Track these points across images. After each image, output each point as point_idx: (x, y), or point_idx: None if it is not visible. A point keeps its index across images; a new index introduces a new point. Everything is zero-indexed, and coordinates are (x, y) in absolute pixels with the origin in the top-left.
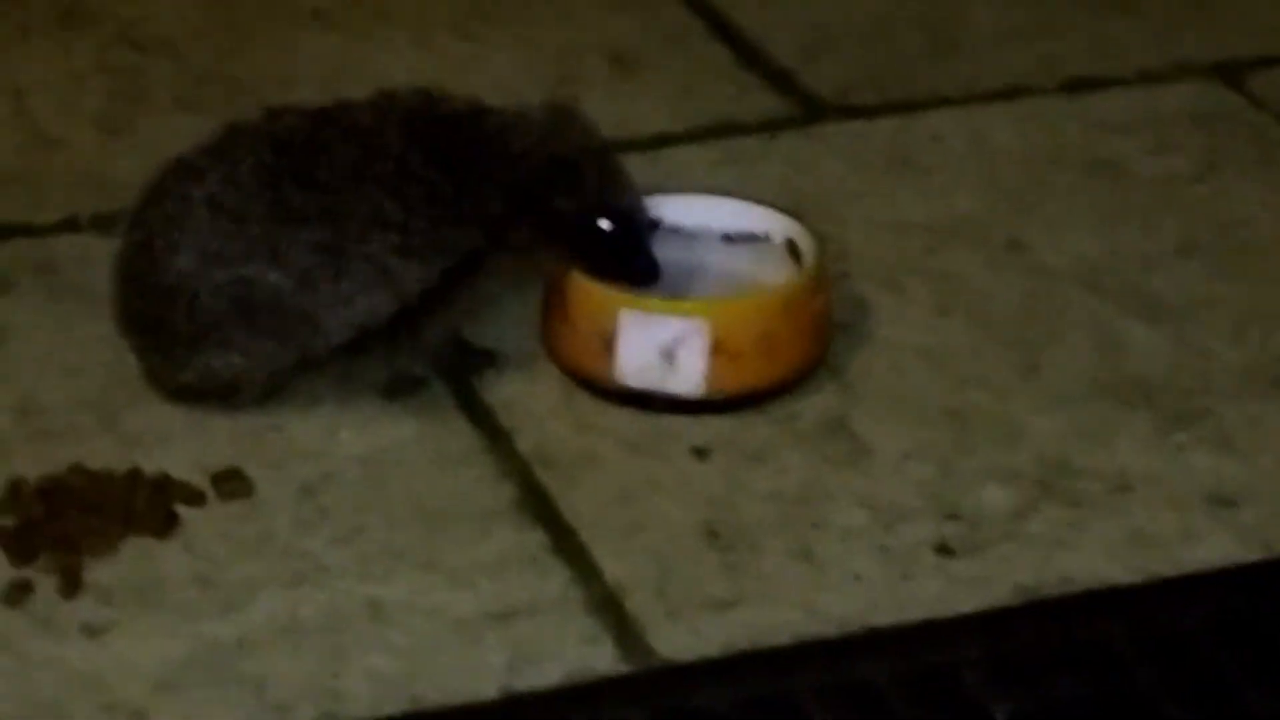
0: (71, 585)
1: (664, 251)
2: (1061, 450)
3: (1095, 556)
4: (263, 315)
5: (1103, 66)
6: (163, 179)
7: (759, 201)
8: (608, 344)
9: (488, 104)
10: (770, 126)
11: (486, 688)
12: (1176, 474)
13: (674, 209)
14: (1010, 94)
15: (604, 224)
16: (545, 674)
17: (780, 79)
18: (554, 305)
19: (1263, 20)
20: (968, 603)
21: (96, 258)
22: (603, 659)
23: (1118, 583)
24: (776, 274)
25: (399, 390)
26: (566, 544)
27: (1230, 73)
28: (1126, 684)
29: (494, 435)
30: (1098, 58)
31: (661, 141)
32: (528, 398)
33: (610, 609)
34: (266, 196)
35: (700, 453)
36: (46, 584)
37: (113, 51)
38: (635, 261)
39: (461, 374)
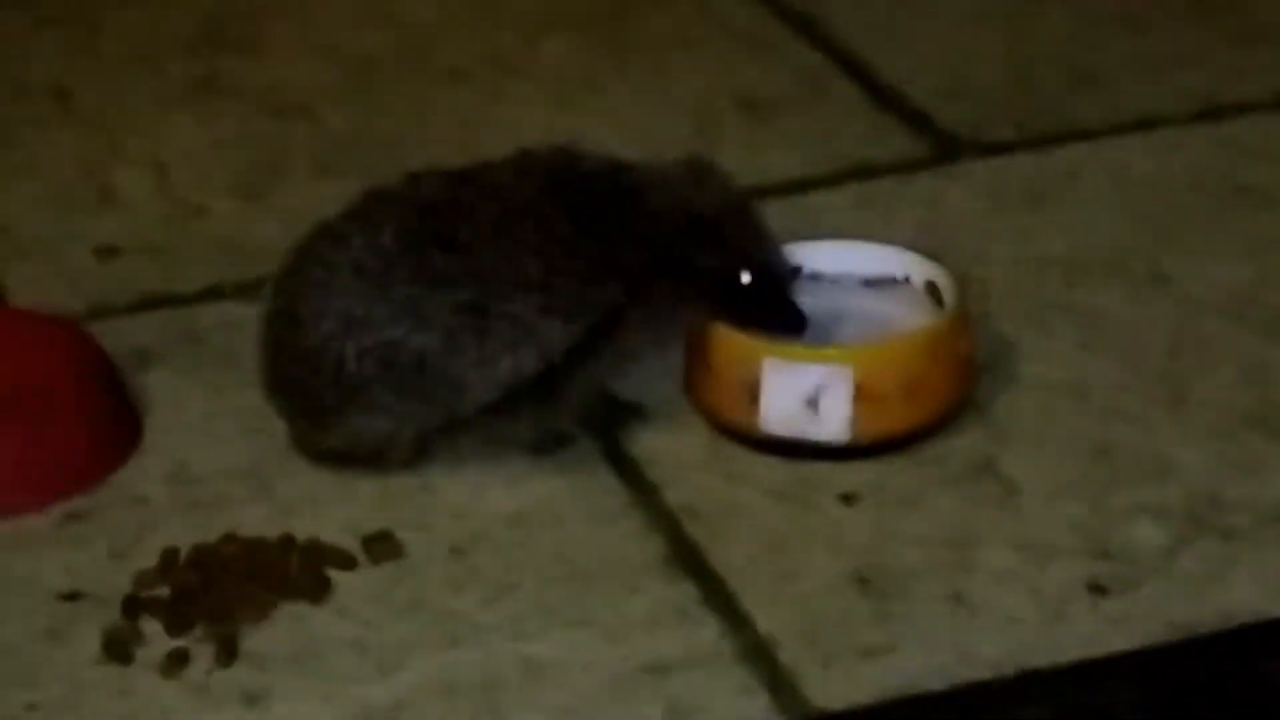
0: (228, 653)
1: (804, 298)
2: (1212, 483)
3: (1251, 590)
4: (408, 377)
5: (1239, 93)
6: (306, 244)
7: (897, 244)
8: (752, 393)
9: (625, 160)
10: (907, 167)
11: None
12: None
13: (813, 255)
14: (1148, 124)
15: (745, 278)
16: None
17: (915, 119)
18: (697, 356)
19: None
20: (1123, 642)
21: (241, 325)
22: (757, 710)
23: (1275, 616)
24: (918, 317)
25: (546, 447)
26: (717, 596)
27: None
28: None
29: (642, 489)
30: (1234, 84)
31: (798, 186)
32: (674, 450)
33: (763, 660)
34: (409, 260)
35: (848, 499)
36: (203, 653)
37: (251, 119)
38: (780, 313)
39: (608, 429)
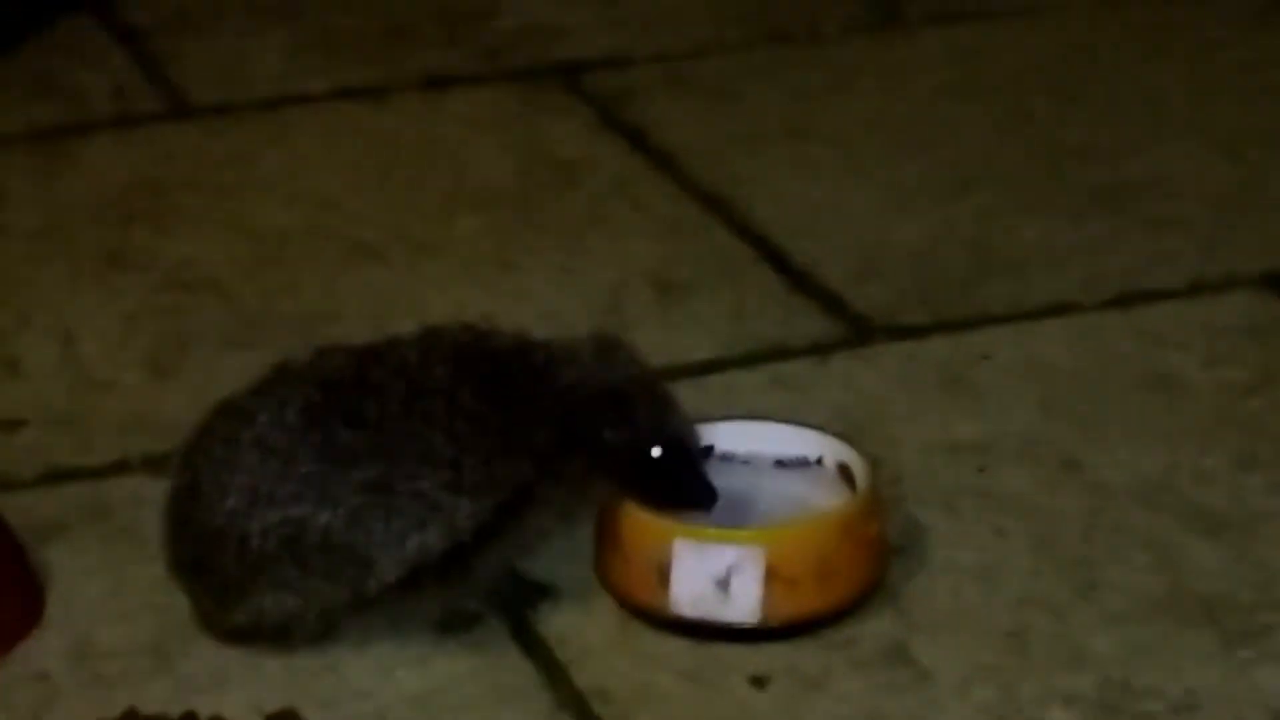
0: None
1: (715, 479)
2: (1124, 670)
3: None
4: (314, 555)
5: (1152, 280)
6: (210, 421)
7: (810, 426)
8: (662, 573)
9: (534, 337)
10: (821, 349)
11: None
12: (1242, 692)
13: (724, 436)
14: (1060, 310)
15: (655, 452)
16: None
17: (829, 301)
18: (607, 536)
19: None
20: None
21: (148, 499)
22: None
23: None
24: (830, 499)
25: (453, 626)
26: None
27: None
28: None
29: (550, 669)
30: (1147, 272)
31: (710, 368)
32: (583, 630)
33: None
34: (315, 436)
35: (758, 681)
36: None
37: (160, 293)
38: (690, 487)
39: (516, 608)
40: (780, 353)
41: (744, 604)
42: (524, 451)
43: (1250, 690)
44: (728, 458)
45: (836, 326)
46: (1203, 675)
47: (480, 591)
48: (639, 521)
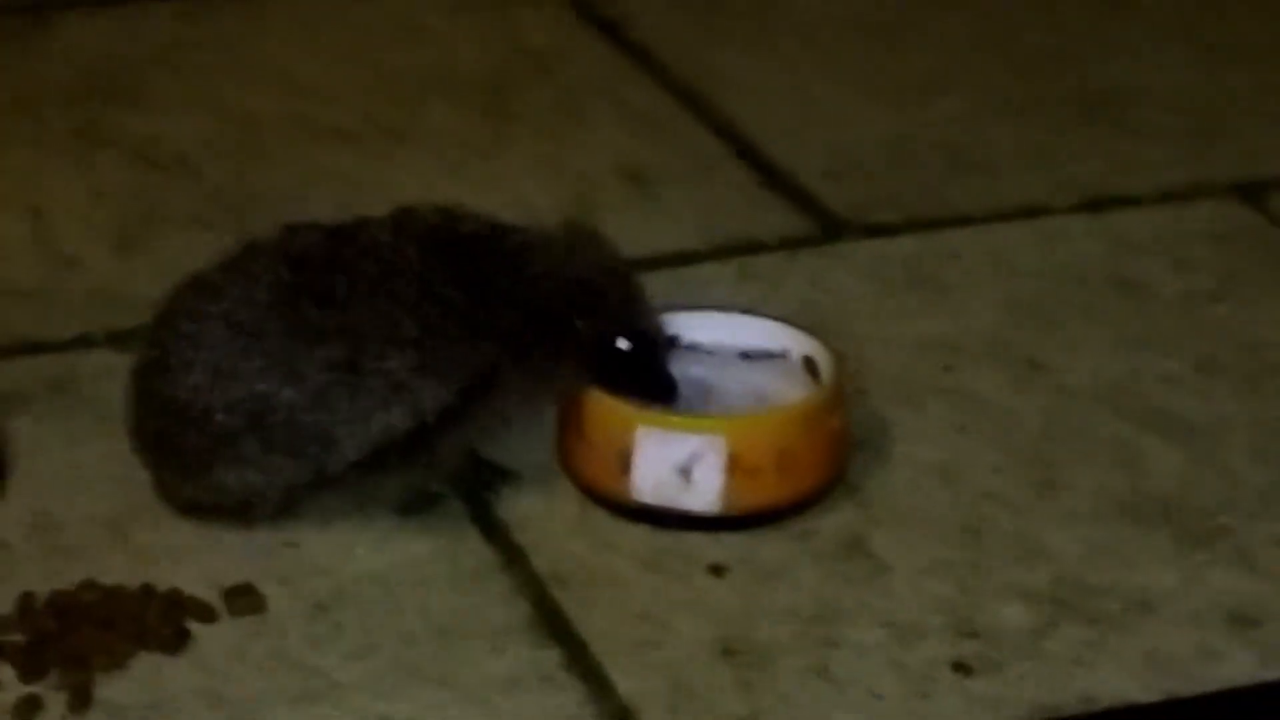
0: (81, 702)
1: (681, 369)
2: (1080, 569)
3: (1115, 675)
4: (277, 432)
5: (1123, 186)
6: (179, 296)
7: (776, 319)
8: (624, 461)
9: (507, 223)
10: (791, 245)
11: None
12: (1197, 593)
13: (691, 326)
14: (1031, 213)
15: (623, 344)
16: None
17: (801, 198)
18: (570, 422)
19: None
20: None
21: (111, 374)
22: None
23: (1137, 702)
24: (794, 391)
25: (415, 507)
26: (581, 661)
27: (1251, 192)
28: None
29: (509, 553)
30: (1118, 178)
31: (681, 259)
32: (544, 515)
33: None
34: (283, 314)
35: (717, 570)
36: (56, 700)
37: (130, 169)
38: (653, 380)
39: (478, 491)
40: (750, 247)
41: (705, 492)
42: (491, 336)
43: (1205, 591)
44: (694, 348)
45: (807, 223)
46: (1158, 576)
47: (442, 474)
48: (602, 408)
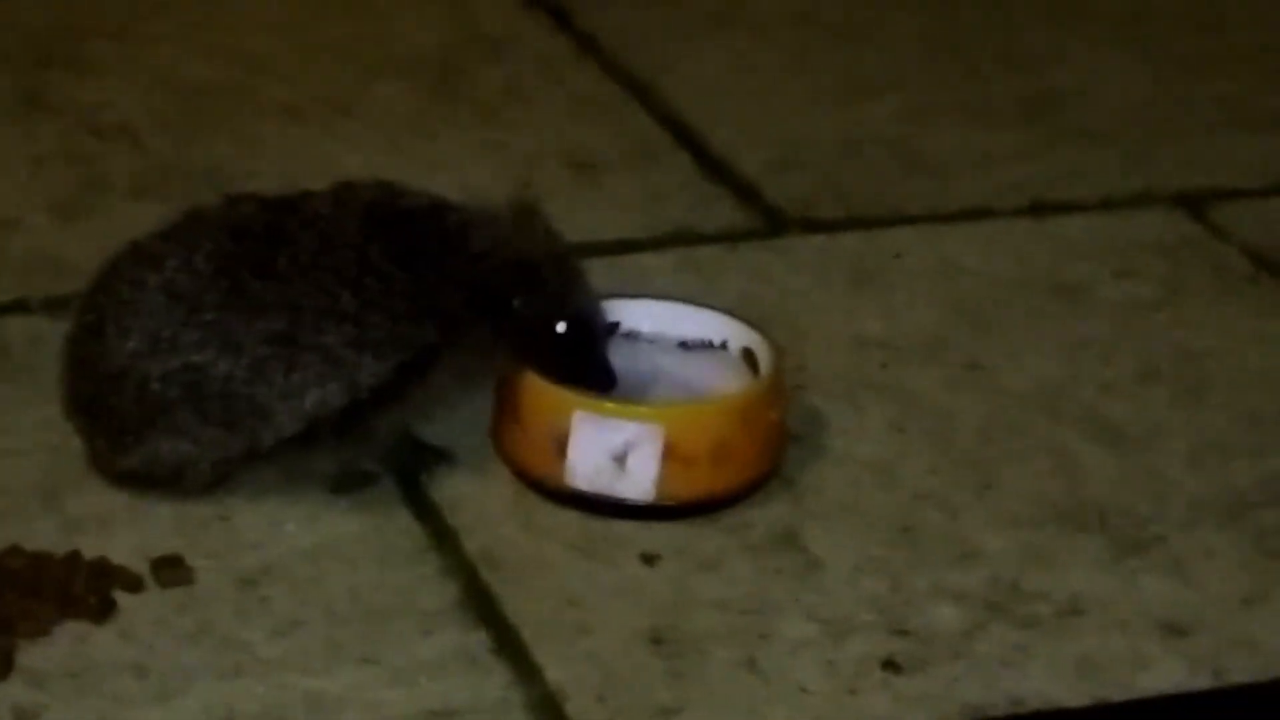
0: (3, 667)
1: (620, 357)
2: (1013, 571)
3: (1044, 679)
4: (212, 403)
5: (1068, 192)
6: (118, 262)
7: (717, 309)
8: (559, 446)
9: (448, 200)
10: (732, 237)
11: None
12: (1128, 599)
13: (631, 314)
14: (975, 215)
15: (561, 327)
16: None
17: (744, 191)
18: (506, 405)
19: (1225, 154)
20: None
21: (46, 340)
22: None
23: (1066, 705)
24: (732, 382)
25: (347, 485)
26: (509, 645)
27: (1193, 203)
28: None
29: (440, 534)
30: (1063, 184)
31: (622, 247)
32: (476, 498)
33: (550, 712)
34: (222, 284)
35: (649, 559)
36: None
37: (73, 137)
38: (591, 366)
39: (411, 471)
40: (691, 238)
41: (640, 481)
42: (430, 313)
43: (1137, 598)
44: (632, 335)
45: (750, 216)
46: (1091, 581)
47: (377, 452)
48: (539, 391)
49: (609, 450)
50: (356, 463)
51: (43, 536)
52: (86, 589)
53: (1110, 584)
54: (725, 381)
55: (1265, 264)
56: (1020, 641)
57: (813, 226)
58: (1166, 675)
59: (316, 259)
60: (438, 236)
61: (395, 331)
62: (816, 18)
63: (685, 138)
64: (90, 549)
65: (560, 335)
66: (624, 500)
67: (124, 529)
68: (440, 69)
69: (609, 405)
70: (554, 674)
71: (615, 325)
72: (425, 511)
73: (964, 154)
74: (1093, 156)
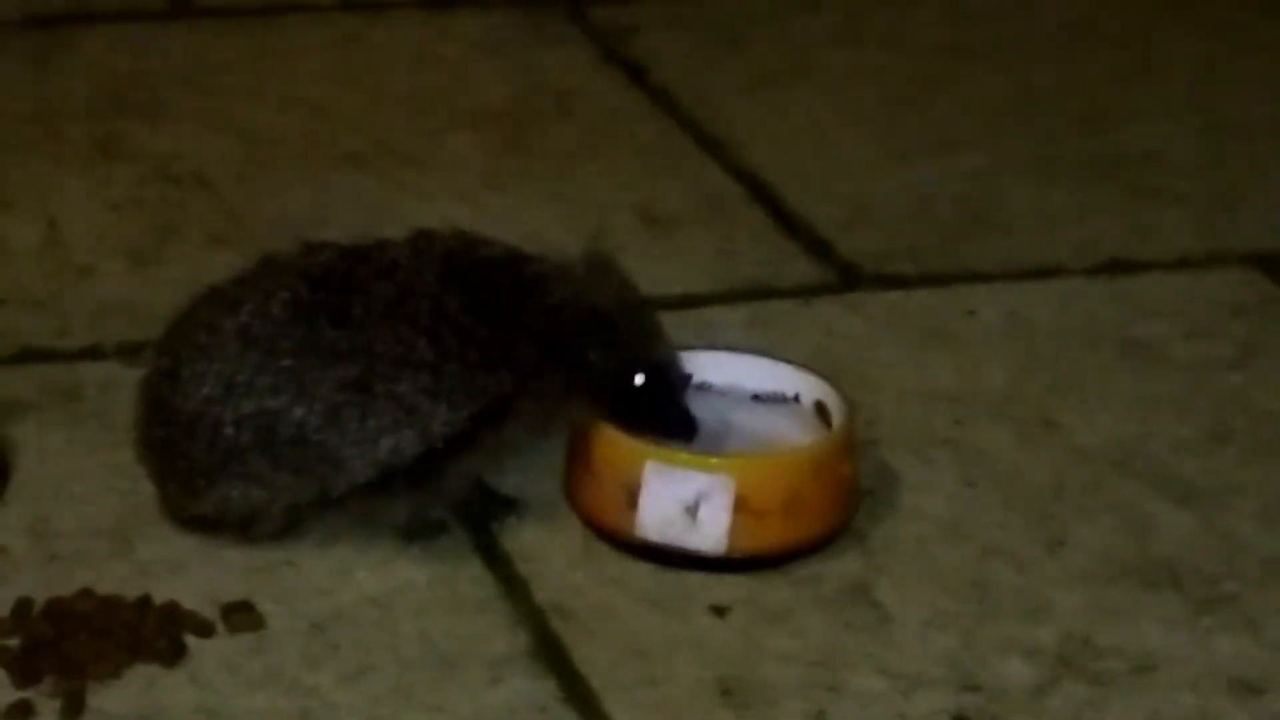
0: (74, 710)
1: (692, 408)
2: (1085, 627)
3: None
4: (285, 449)
5: (1141, 251)
6: (195, 307)
7: (790, 362)
8: (631, 496)
9: (525, 251)
10: (805, 292)
11: None
12: (1201, 658)
13: (704, 366)
14: (1047, 273)
15: (638, 378)
16: None
17: (817, 246)
18: (578, 455)
19: None
20: None
21: (119, 385)
22: None
23: None
24: (805, 435)
25: (418, 533)
26: (578, 694)
27: (1269, 263)
28: None
29: (510, 583)
30: (1136, 242)
31: (694, 302)
32: (547, 547)
33: None
34: (298, 331)
35: (719, 611)
36: (49, 708)
37: (148, 185)
38: (671, 415)
39: (482, 520)
40: (764, 292)
41: (711, 532)
42: (505, 364)
43: (1209, 657)
44: (705, 388)
45: (823, 271)
46: (1164, 639)
47: (448, 500)
48: (611, 442)
49: (680, 501)
50: (428, 511)
51: (114, 580)
52: (157, 632)
53: (1182, 641)
54: (798, 434)
55: None
56: (1092, 698)
57: (885, 282)
58: None
59: (393, 307)
60: (514, 287)
61: (470, 380)
62: (888, 75)
63: (758, 192)
64: (161, 593)
65: (639, 386)
66: (695, 552)
67: (194, 573)
68: (512, 122)
69: (681, 456)
70: None
71: (690, 376)
72: (496, 560)
73: (1035, 212)
74: (1166, 216)
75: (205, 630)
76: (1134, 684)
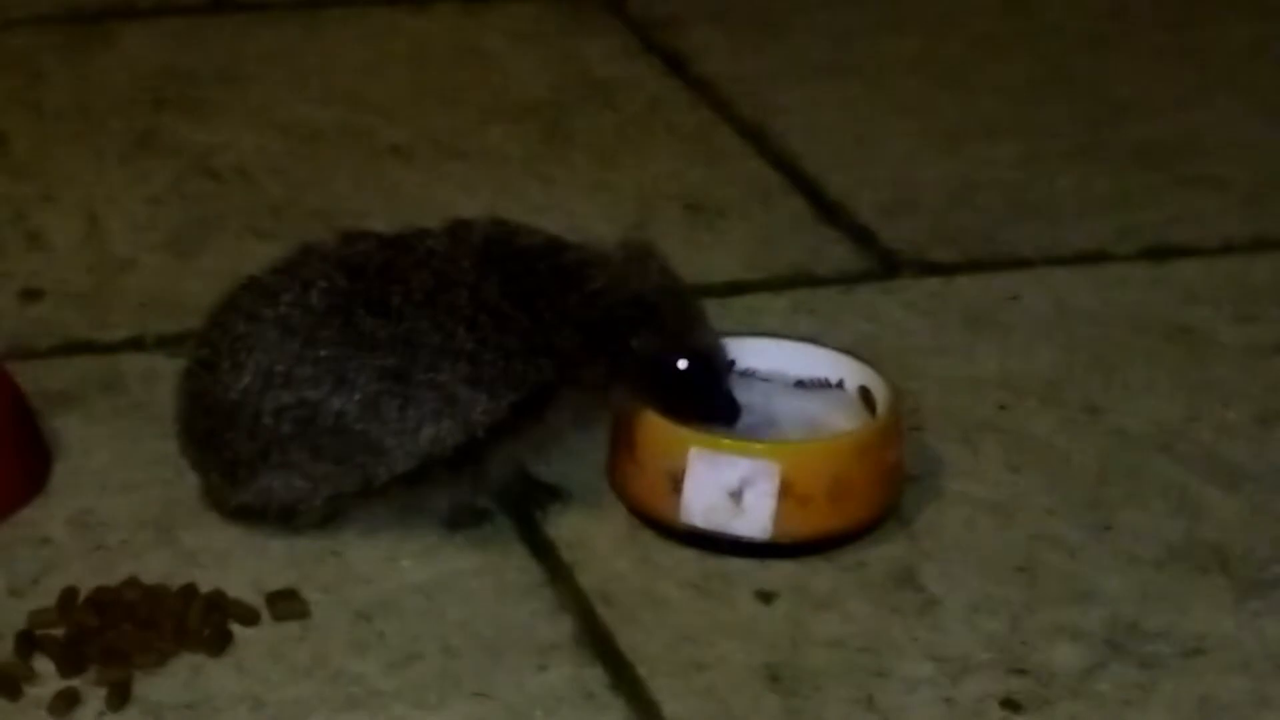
0: (120, 698)
1: (736, 394)
2: (1133, 611)
3: (1165, 719)
4: (326, 439)
5: (1185, 236)
6: (234, 297)
7: (834, 348)
8: (675, 483)
9: (564, 239)
10: (847, 280)
11: None
12: (1250, 640)
13: (748, 352)
14: (1091, 259)
15: (681, 364)
16: None
17: (859, 234)
18: (622, 442)
19: None
20: None
21: (161, 376)
22: None
23: None
24: (849, 421)
25: (461, 521)
26: (625, 681)
27: None
28: None
29: (555, 570)
30: (1180, 227)
31: (735, 289)
32: (591, 534)
33: None
34: (337, 321)
35: (765, 596)
36: (95, 696)
37: (187, 178)
38: (713, 401)
39: (525, 508)
40: (806, 280)
41: (756, 518)
42: (546, 352)
43: (1258, 640)
44: (748, 374)
45: (865, 259)
46: (1212, 622)
47: (490, 489)
48: (655, 428)
49: (725, 487)
50: (471, 499)
51: (159, 569)
52: (202, 621)
53: (1231, 624)
54: (842, 420)
55: None
56: (1141, 681)
57: (928, 269)
58: None
59: (432, 296)
60: (553, 274)
61: (510, 369)
62: (928, 63)
63: (799, 181)
64: (206, 582)
65: (682, 372)
66: (740, 538)
67: (238, 563)
68: (553, 112)
69: (725, 442)
70: (671, 710)
71: (733, 363)
72: (540, 548)
73: (1078, 197)
74: (1210, 200)
75: (250, 619)
76: (1183, 667)
